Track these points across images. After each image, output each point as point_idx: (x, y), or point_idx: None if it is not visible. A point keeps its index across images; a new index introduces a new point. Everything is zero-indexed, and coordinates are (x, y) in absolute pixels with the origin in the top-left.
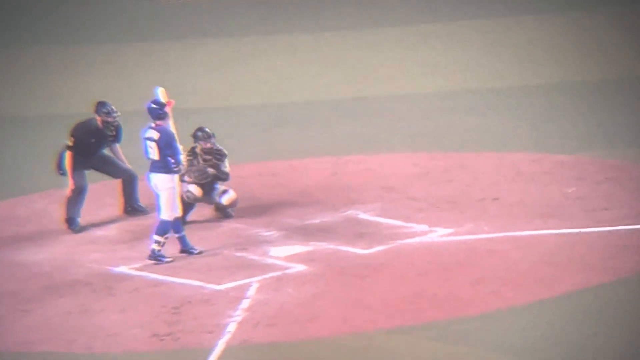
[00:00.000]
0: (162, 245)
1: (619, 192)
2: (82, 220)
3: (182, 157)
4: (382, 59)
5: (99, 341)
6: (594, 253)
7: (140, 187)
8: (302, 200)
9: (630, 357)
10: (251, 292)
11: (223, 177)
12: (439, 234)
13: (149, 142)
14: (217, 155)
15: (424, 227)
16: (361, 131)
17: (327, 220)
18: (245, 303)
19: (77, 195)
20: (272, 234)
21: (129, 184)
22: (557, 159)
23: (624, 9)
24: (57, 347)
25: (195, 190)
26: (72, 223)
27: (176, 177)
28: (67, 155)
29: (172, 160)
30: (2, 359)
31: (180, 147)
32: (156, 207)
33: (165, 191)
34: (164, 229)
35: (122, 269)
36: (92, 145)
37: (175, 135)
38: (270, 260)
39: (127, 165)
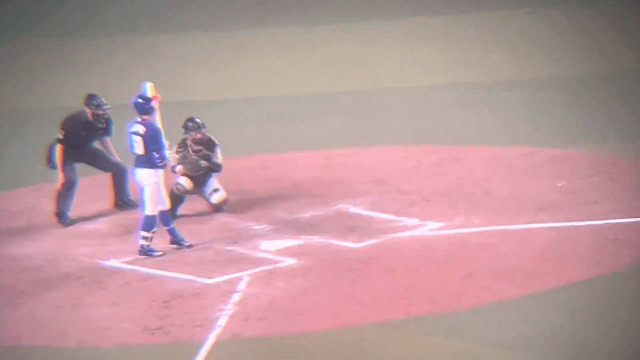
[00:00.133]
0: (150, 240)
1: (610, 186)
2: (72, 214)
3: (167, 153)
4: (375, 52)
5: (90, 335)
6: (585, 246)
7: (131, 180)
8: (293, 194)
9: (621, 350)
10: (242, 285)
11: (215, 168)
12: (430, 228)
13: (134, 137)
14: (208, 146)
15: (414, 221)
16: (353, 125)
17: (318, 214)
18: (235, 297)
19: (68, 189)
20: (262, 227)
21: (119, 177)
22: (549, 152)
23: (617, 4)
24: (48, 341)
25: (185, 182)
26: (62, 217)
27: (160, 172)
28: (58, 148)
29: (157, 156)
30: None
31: (165, 142)
32: (140, 202)
33: (149, 186)
34: (149, 224)
35: (113, 262)
36: (82, 138)
37: (162, 131)
38: (261, 254)
39: (117, 159)
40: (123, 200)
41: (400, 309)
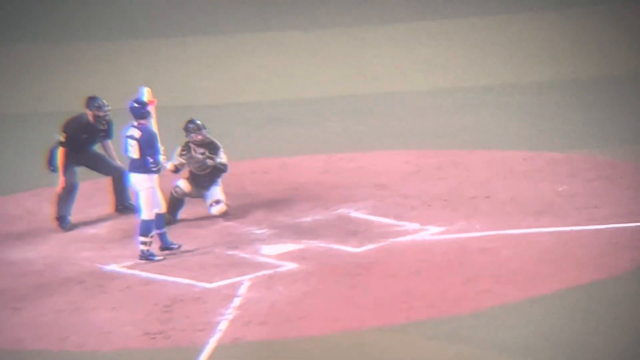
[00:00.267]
0: (150, 245)
1: (611, 190)
2: (73, 218)
3: (162, 158)
4: (375, 56)
5: (91, 339)
6: (586, 251)
7: None
8: (294, 198)
9: (622, 354)
10: (242, 290)
11: (222, 167)
12: (431, 232)
13: (129, 140)
14: (211, 148)
15: (415, 225)
16: (353, 129)
17: (318, 218)
18: (236, 301)
19: (68, 193)
20: (263, 232)
21: (120, 181)
22: (549, 156)
23: (617, 7)
24: (48, 345)
25: (184, 185)
26: (62, 221)
27: (155, 176)
28: (60, 151)
29: (151, 160)
30: None
31: (161, 147)
32: (137, 206)
33: (144, 191)
34: (146, 228)
35: (114, 267)
36: (84, 141)
37: (157, 135)
38: (261, 259)
39: (118, 162)
40: (124, 205)
41: (401, 313)
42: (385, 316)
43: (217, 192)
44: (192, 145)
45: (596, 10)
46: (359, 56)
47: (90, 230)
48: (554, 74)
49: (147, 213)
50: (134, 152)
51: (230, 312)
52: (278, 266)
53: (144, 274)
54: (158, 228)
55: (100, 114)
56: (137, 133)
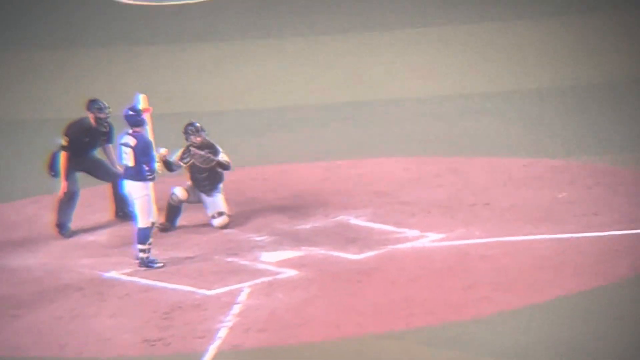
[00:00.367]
0: (148, 252)
1: (610, 197)
2: (72, 225)
3: (157, 166)
4: (375, 63)
5: (90, 346)
6: (585, 258)
7: None
8: (294, 205)
9: None
10: (242, 297)
11: (225, 164)
12: (431, 239)
13: (124, 148)
14: (210, 150)
15: (415, 232)
16: (353, 136)
17: (318, 225)
18: (236, 308)
19: (69, 200)
20: (263, 239)
21: (120, 188)
22: (549, 163)
23: (615, 14)
24: (48, 352)
25: (180, 193)
26: (62, 228)
27: (150, 184)
28: (62, 155)
29: (147, 168)
30: None
31: (156, 155)
32: (133, 214)
33: (139, 199)
34: (143, 236)
35: (113, 274)
36: (85, 145)
37: (153, 143)
38: (261, 266)
39: (118, 168)
40: (124, 211)
41: (401, 320)
42: (385, 323)
43: (219, 202)
44: (192, 148)
45: (595, 17)
46: (359, 63)
47: (90, 237)
48: (554, 80)
49: (143, 221)
50: (128, 159)
51: (229, 319)
52: (278, 273)
53: (144, 281)
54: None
55: (102, 116)
56: (132, 141)
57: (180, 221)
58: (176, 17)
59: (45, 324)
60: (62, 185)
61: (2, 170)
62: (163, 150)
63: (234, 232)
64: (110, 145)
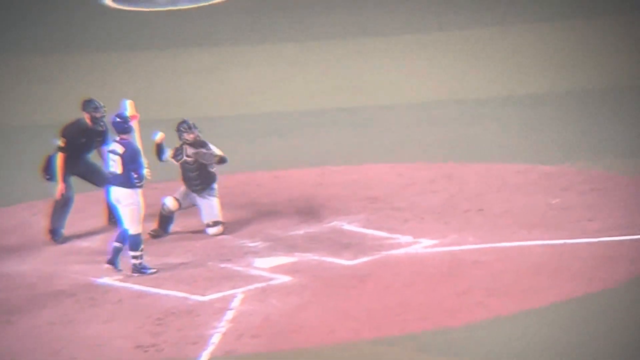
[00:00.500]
0: (141, 258)
1: (604, 203)
2: (66, 230)
3: (146, 172)
4: (369, 68)
5: (83, 352)
6: (579, 264)
7: None
8: (287, 211)
9: None
10: (235, 303)
11: (224, 158)
12: (424, 245)
13: (111, 155)
14: (202, 149)
15: (408, 238)
16: (347, 141)
17: (312, 231)
18: (229, 314)
19: (63, 206)
20: (256, 244)
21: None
22: (543, 169)
23: (610, 19)
24: (41, 358)
25: (171, 203)
26: (55, 234)
27: (139, 191)
28: (59, 156)
29: (135, 176)
30: None
31: (145, 161)
32: (117, 220)
33: (129, 207)
34: (135, 243)
35: (106, 280)
36: (82, 146)
37: (141, 150)
38: (254, 271)
39: None
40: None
41: (395, 326)
42: (379, 328)
43: (215, 209)
44: (185, 146)
45: (590, 23)
46: (354, 68)
47: (83, 243)
48: (548, 86)
49: (134, 228)
50: (116, 167)
51: (223, 325)
52: (271, 279)
53: (137, 287)
54: (118, 241)
55: (98, 115)
56: (120, 148)
57: (174, 227)
58: (172, 23)
59: (38, 329)
60: (59, 187)
61: None
62: (159, 135)
63: (228, 238)
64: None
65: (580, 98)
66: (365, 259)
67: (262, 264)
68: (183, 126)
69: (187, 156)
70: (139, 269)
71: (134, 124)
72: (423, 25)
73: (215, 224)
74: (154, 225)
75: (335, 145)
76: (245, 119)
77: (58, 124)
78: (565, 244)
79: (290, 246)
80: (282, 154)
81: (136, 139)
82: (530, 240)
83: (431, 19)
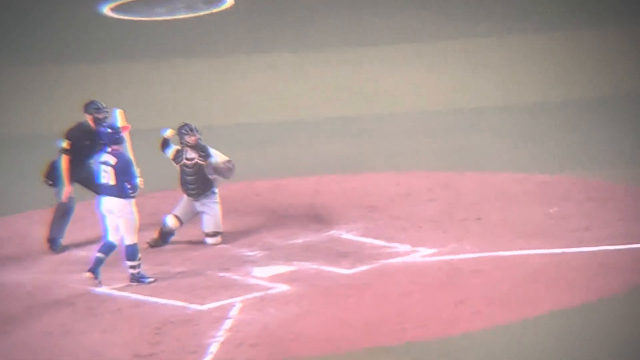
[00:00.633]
0: (139, 267)
1: (602, 212)
2: (64, 240)
3: (139, 181)
4: (366, 78)
5: None
6: (577, 273)
7: None
8: (285, 220)
9: None
10: (234, 312)
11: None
12: (422, 254)
13: (103, 167)
14: (202, 153)
15: (406, 247)
16: (344, 150)
17: (310, 240)
18: (228, 323)
19: (63, 215)
20: (255, 253)
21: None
22: (540, 179)
23: (607, 30)
24: None
25: (172, 222)
26: (54, 243)
27: (132, 201)
28: (64, 159)
29: (129, 186)
30: None
31: (137, 169)
32: (103, 230)
33: (124, 218)
34: (132, 253)
35: (104, 289)
36: (86, 148)
37: (133, 160)
38: (253, 281)
39: None
40: None
41: (393, 335)
42: (378, 337)
43: (217, 218)
44: (186, 149)
45: (586, 34)
46: (351, 78)
47: (81, 253)
48: (545, 95)
49: (130, 238)
50: (109, 178)
51: (221, 334)
52: (269, 288)
53: (135, 296)
54: (102, 252)
55: (100, 116)
56: (112, 159)
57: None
58: (169, 32)
59: (36, 339)
60: (66, 190)
61: None
62: (169, 131)
63: (226, 247)
64: None
65: (578, 108)
66: (363, 267)
67: (261, 273)
68: (185, 129)
69: (187, 159)
70: (137, 278)
71: (125, 135)
72: (420, 35)
73: (215, 234)
74: (153, 234)
75: (334, 154)
76: (242, 128)
77: (56, 134)
78: (562, 253)
79: (289, 255)
80: (280, 163)
81: (127, 149)
82: (527, 249)
83: (429, 28)
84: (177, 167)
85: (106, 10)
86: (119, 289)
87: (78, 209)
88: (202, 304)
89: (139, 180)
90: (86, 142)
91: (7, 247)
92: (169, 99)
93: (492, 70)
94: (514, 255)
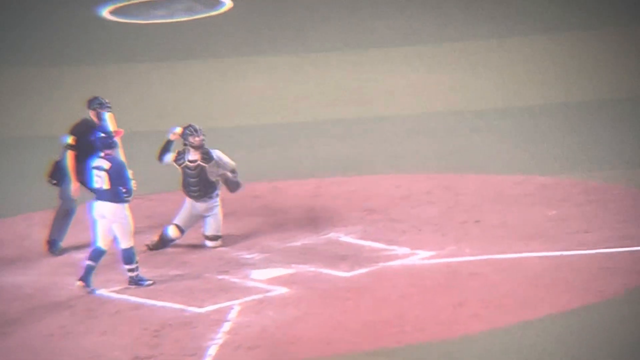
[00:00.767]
0: (137, 270)
1: (601, 214)
2: (63, 242)
3: (133, 183)
4: (366, 80)
5: None
6: (576, 275)
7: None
8: (284, 223)
9: None
10: (232, 315)
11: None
12: (421, 257)
13: (96, 171)
14: (205, 155)
15: (406, 250)
16: (344, 153)
17: (308, 242)
18: (226, 326)
19: (64, 216)
20: (253, 256)
21: None
22: (540, 181)
23: (606, 32)
24: None
25: (173, 233)
26: (53, 245)
27: (126, 205)
28: (69, 155)
29: (124, 190)
30: None
31: (129, 171)
32: (92, 233)
33: (119, 222)
34: (129, 256)
35: (103, 291)
36: (90, 143)
37: (126, 164)
38: (251, 283)
39: None
40: None
41: (391, 338)
42: (376, 340)
43: (218, 222)
44: (189, 149)
45: (586, 35)
46: (350, 80)
47: (80, 255)
48: (545, 97)
49: (126, 242)
50: (102, 182)
51: (220, 337)
52: (268, 291)
53: (134, 299)
54: (91, 260)
55: (103, 111)
56: (105, 164)
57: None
58: (168, 35)
59: (35, 341)
60: (73, 187)
61: None
62: (178, 130)
63: (224, 249)
64: None
65: (577, 109)
66: (362, 270)
67: (259, 276)
68: (189, 129)
69: (189, 161)
70: (136, 281)
71: (117, 139)
72: (420, 37)
73: (216, 237)
74: (152, 237)
75: (333, 156)
76: (242, 130)
77: (55, 136)
78: (562, 255)
79: (287, 258)
80: (279, 165)
81: (120, 154)
82: (527, 251)
83: (428, 30)
84: (179, 169)
85: (105, 13)
86: (117, 292)
87: (77, 212)
88: (200, 306)
89: (132, 183)
90: (91, 137)
91: (7, 248)
92: (169, 101)
93: (492, 72)
94: (513, 258)
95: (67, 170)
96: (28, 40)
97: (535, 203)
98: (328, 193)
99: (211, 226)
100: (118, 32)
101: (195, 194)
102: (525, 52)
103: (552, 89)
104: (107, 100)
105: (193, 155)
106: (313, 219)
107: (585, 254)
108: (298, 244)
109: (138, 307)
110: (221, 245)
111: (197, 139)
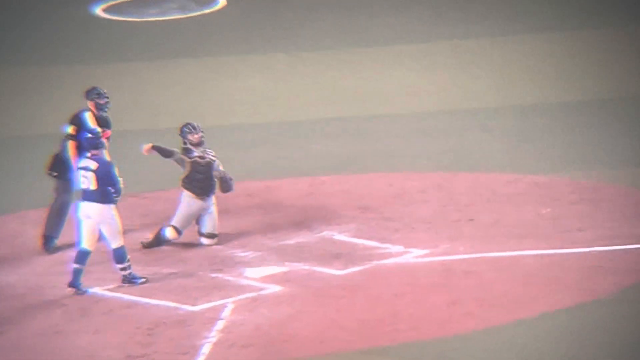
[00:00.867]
0: (129, 269)
1: (594, 213)
2: (57, 240)
3: (121, 184)
4: (359, 79)
5: None
6: (569, 274)
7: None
8: (278, 221)
9: None
10: (226, 313)
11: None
12: (415, 255)
13: (83, 172)
14: (209, 151)
15: (399, 248)
16: (337, 151)
17: (302, 240)
18: (220, 324)
19: (59, 210)
20: (247, 254)
21: None
22: (533, 179)
23: (601, 31)
24: None
25: (170, 234)
26: (48, 241)
27: (112, 206)
28: (70, 145)
29: (113, 190)
30: None
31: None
32: (76, 235)
33: (107, 222)
34: (120, 256)
35: (96, 290)
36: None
37: (113, 164)
38: (245, 281)
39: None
40: None
41: (385, 336)
42: (370, 338)
43: (214, 220)
44: (190, 147)
45: (581, 35)
46: (344, 79)
47: (73, 253)
48: (538, 97)
49: (116, 241)
50: (89, 183)
51: (213, 335)
52: (262, 289)
53: (127, 297)
54: (77, 262)
55: (102, 101)
56: (93, 164)
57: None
58: (162, 33)
59: (27, 340)
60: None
61: None
62: (145, 145)
63: (218, 247)
64: (108, 131)
65: (571, 109)
66: (356, 268)
67: (253, 274)
68: (188, 127)
69: (199, 156)
70: (129, 280)
71: (104, 140)
72: (413, 36)
73: (213, 235)
74: (147, 235)
75: (326, 155)
76: (235, 129)
77: (49, 135)
78: (555, 254)
79: (281, 256)
80: (273, 163)
81: (105, 154)
82: (520, 250)
83: (421, 29)
84: (189, 163)
85: (98, 11)
86: (110, 290)
87: (71, 209)
88: (194, 304)
89: (120, 183)
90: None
91: (0, 247)
92: (162, 100)
93: (485, 72)
94: (506, 256)
95: (67, 162)
96: (28, 40)
97: (528, 202)
98: (322, 191)
99: (208, 224)
100: (111, 32)
101: (197, 191)
102: (519, 52)
103: (545, 89)
104: (104, 91)
105: (200, 152)
106: (307, 218)
107: (578, 253)
108: (292, 242)
109: (131, 305)
110: (216, 244)
111: (196, 136)
